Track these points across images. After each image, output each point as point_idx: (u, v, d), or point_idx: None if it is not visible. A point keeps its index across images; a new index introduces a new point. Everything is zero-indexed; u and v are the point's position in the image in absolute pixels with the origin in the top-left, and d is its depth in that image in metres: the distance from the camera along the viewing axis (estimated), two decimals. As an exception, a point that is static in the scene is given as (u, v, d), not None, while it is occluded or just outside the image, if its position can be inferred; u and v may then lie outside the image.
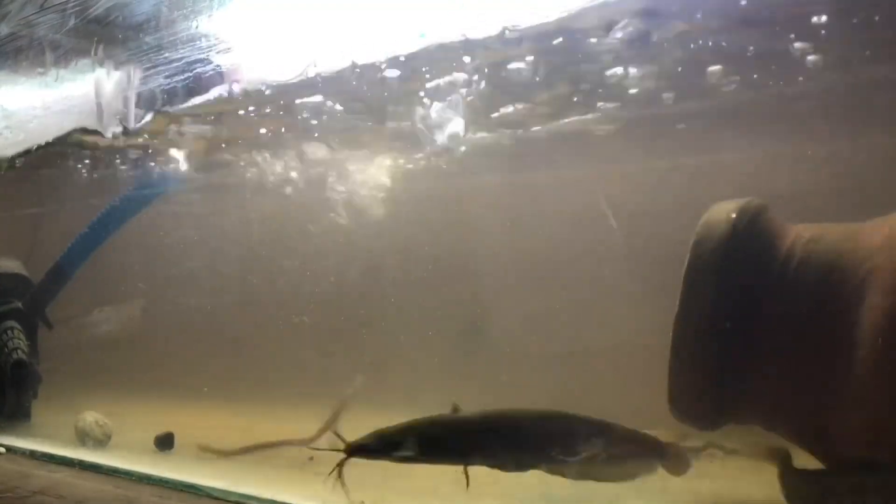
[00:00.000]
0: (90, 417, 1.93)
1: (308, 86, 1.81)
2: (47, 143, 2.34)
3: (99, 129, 2.12)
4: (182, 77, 1.86)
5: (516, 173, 2.38)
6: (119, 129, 2.13)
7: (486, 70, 1.77)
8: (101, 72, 2.03)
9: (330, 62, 1.69)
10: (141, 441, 1.84)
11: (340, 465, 1.22)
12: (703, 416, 1.21)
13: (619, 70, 1.71)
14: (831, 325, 1.07)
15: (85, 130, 2.17)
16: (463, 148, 2.19)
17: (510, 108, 2.01)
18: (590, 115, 1.94)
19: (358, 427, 2.14)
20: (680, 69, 1.71)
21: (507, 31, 1.46)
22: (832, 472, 1.13)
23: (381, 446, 1.24)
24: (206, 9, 1.74)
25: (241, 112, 2.15)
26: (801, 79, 1.62)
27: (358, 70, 1.70)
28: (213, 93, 1.87)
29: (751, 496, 1.30)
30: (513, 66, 1.71)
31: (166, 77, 1.89)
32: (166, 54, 1.85)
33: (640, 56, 1.64)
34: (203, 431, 2.13)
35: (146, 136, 2.34)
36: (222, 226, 2.90)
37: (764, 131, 1.83)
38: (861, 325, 1.03)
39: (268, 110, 2.16)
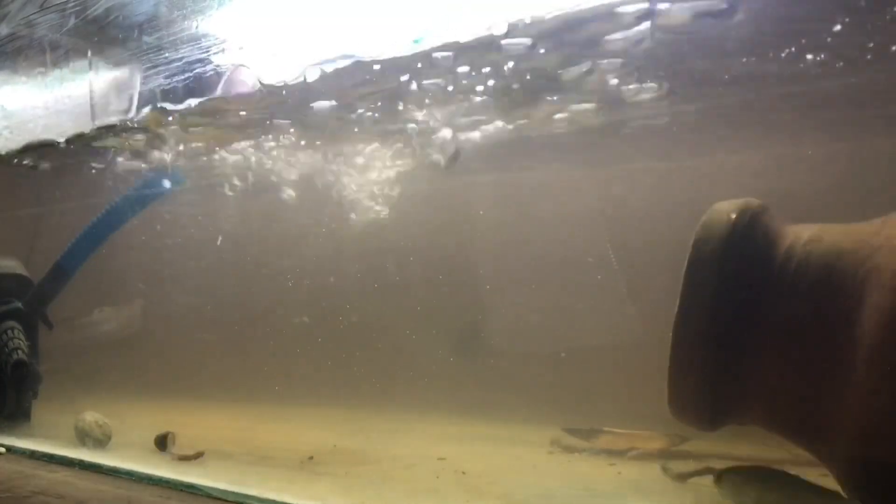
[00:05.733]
0: (90, 417, 1.92)
1: (309, 84, 1.80)
2: (47, 143, 2.34)
3: (94, 130, 2.12)
4: (181, 77, 1.86)
5: (517, 173, 2.38)
6: (117, 130, 2.13)
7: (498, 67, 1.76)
8: (96, 72, 2.03)
9: (329, 62, 1.69)
10: (141, 441, 1.83)
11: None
12: (703, 417, 1.21)
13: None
14: (831, 325, 1.07)
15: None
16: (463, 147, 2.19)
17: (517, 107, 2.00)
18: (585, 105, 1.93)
19: (361, 428, 2.14)
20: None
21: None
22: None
23: None
24: (205, 9, 1.74)
25: (242, 112, 2.15)
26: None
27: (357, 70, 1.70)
28: (212, 93, 1.87)
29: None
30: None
31: (166, 77, 1.89)
32: (166, 54, 1.85)
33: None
34: (203, 432, 2.14)
35: (145, 136, 2.34)
36: (222, 226, 2.90)
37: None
38: (861, 324, 1.03)
39: (269, 109, 2.15)
